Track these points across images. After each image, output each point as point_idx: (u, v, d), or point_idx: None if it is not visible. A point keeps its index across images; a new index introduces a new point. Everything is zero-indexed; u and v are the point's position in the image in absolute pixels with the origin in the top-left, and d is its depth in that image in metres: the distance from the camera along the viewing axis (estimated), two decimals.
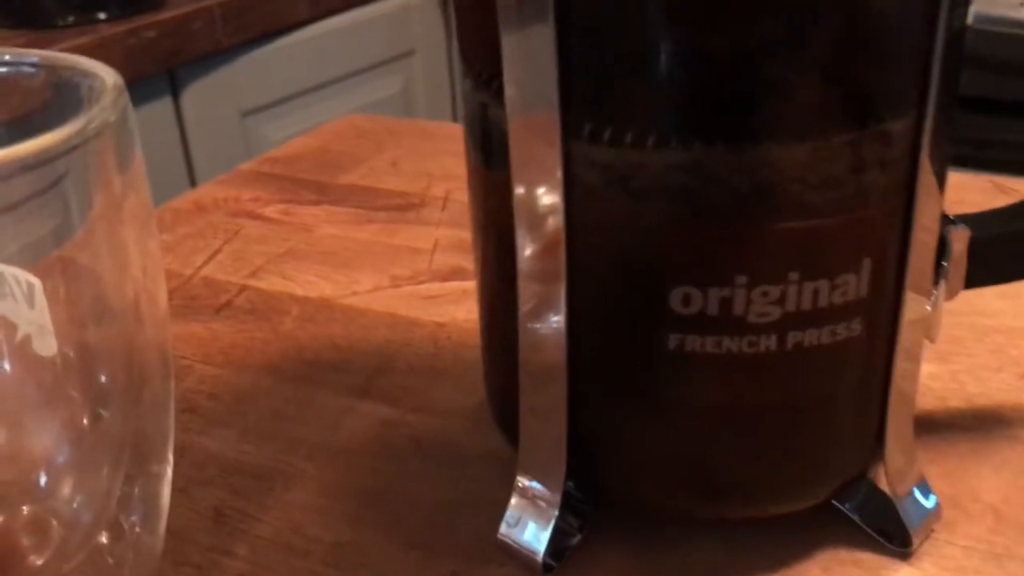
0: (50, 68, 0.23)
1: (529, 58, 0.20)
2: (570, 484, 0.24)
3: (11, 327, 0.23)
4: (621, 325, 0.22)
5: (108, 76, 0.21)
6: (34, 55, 0.23)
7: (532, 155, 0.21)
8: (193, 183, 0.98)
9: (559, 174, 0.20)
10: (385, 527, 0.26)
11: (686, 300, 0.21)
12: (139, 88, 0.90)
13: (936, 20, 0.19)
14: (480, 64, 0.22)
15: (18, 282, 0.24)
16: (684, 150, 0.19)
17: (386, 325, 0.36)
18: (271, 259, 0.42)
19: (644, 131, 0.19)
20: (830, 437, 0.23)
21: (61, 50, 0.83)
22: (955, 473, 0.27)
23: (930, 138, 0.20)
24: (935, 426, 0.29)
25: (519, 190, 0.21)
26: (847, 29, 0.19)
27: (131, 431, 0.24)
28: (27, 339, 0.23)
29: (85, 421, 0.24)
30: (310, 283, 0.40)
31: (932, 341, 0.25)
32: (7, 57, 0.22)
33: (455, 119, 1.31)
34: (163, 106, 0.94)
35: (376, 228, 0.45)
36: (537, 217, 0.21)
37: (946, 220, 0.25)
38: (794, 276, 0.20)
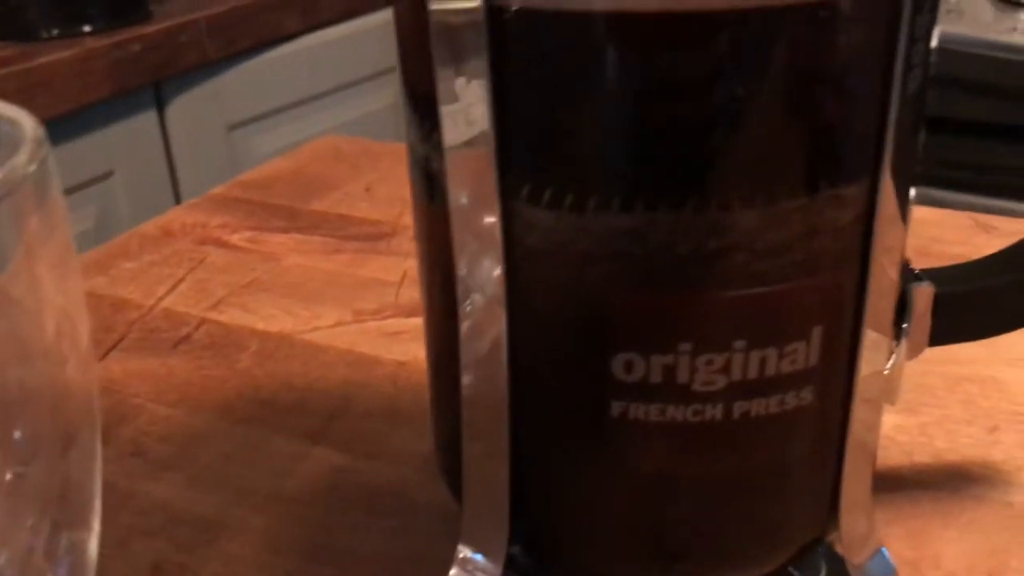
0: None
1: (466, 118, 0.19)
2: (517, 548, 0.23)
3: None
4: (564, 390, 0.21)
5: (28, 125, 0.20)
6: None
7: (471, 214, 0.20)
8: (177, 198, 0.97)
9: (499, 235, 0.20)
10: None
11: (628, 367, 0.20)
12: (124, 101, 0.89)
13: (891, 83, 0.18)
14: (421, 116, 0.21)
15: None
16: (626, 214, 0.19)
17: (346, 363, 0.35)
18: (234, 290, 0.41)
19: (585, 194, 0.19)
20: (783, 504, 0.22)
21: (46, 62, 0.82)
22: (918, 535, 0.26)
23: (885, 202, 0.20)
24: (900, 483, 0.28)
25: (459, 248, 0.20)
26: (796, 94, 0.18)
27: (58, 482, 0.23)
28: None
29: (8, 476, 0.23)
30: (272, 317, 0.39)
31: (892, 404, 0.24)
32: None
33: None
34: (148, 119, 0.94)
35: (344, 258, 0.44)
36: (477, 276, 0.20)
37: (910, 275, 0.24)
38: (740, 344, 0.19)
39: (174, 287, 0.42)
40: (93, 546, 0.23)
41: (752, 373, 0.20)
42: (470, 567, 0.23)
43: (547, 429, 0.22)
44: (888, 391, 0.23)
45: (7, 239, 0.20)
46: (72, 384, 0.23)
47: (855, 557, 0.23)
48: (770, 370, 0.20)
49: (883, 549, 0.24)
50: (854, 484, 0.23)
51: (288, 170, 0.54)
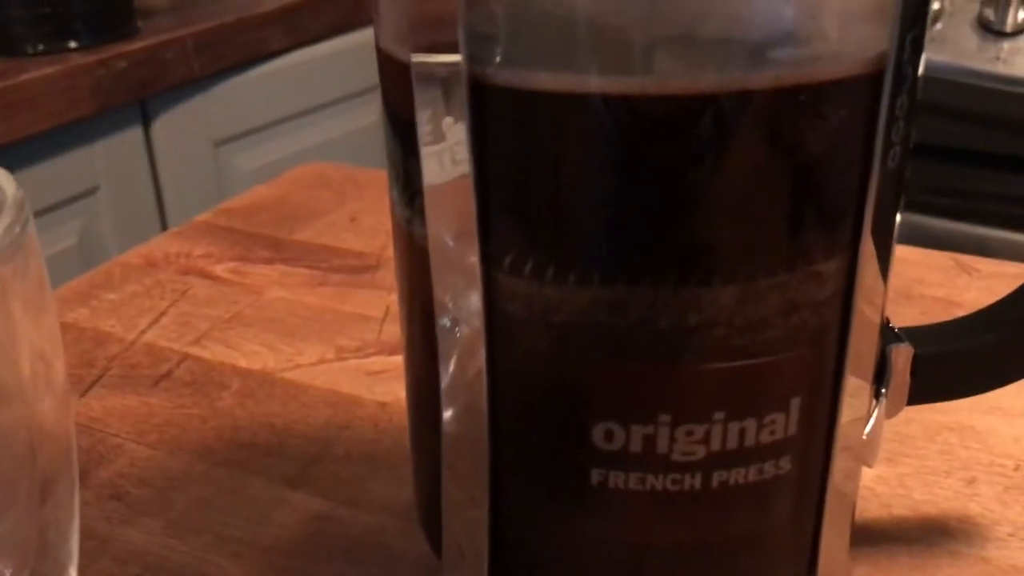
0: None
1: (449, 191, 0.19)
2: None
3: None
4: (544, 454, 0.21)
5: (9, 189, 0.20)
6: None
7: (452, 281, 0.20)
8: (163, 214, 0.97)
9: (479, 303, 0.20)
10: None
11: (608, 436, 0.20)
12: (110, 117, 0.89)
13: (870, 162, 0.19)
14: (404, 182, 0.21)
15: None
16: (606, 289, 0.19)
17: (327, 404, 0.35)
18: (216, 324, 0.41)
19: (566, 268, 0.19)
20: (762, 570, 0.23)
21: (31, 78, 0.82)
22: None
23: (865, 277, 0.20)
24: (878, 537, 0.29)
25: (440, 314, 0.20)
26: (774, 174, 0.18)
27: (36, 530, 0.23)
28: None
29: None
30: (254, 353, 0.39)
31: (870, 466, 0.24)
32: None
33: None
34: (134, 135, 0.93)
35: (328, 292, 0.44)
36: (458, 341, 0.20)
37: (889, 335, 0.24)
38: (719, 416, 0.20)
39: (156, 320, 0.41)
40: None
41: (731, 444, 0.20)
42: None
43: (527, 491, 0.22)
44: (867, 454, 0.23)
45: None
46: (49, 425, 0.23)
47: None
48: (749, 440, 0.20)
49: None
50: (832, 547, 0.23)
51: (273, 197, 0.54)
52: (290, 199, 0.54)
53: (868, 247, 0.19)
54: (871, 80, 0.18)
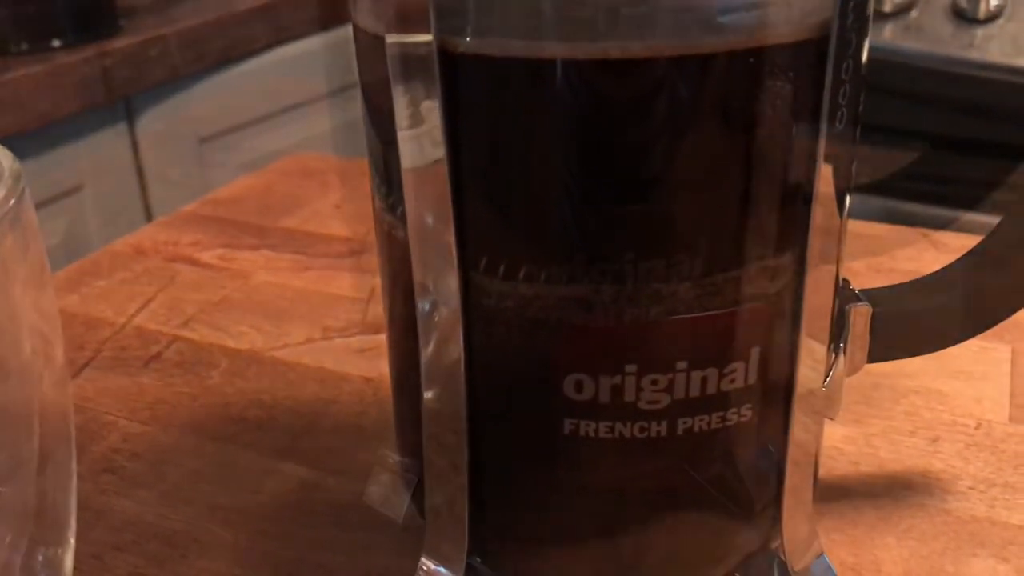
0: None
1: (429, 197, 0.20)
2: (477, 559, 0.25)
3: None
4: (519, 411, 0.22)
5: (5, 161, 0.21)
6: None
7: (430, 260, 0.21)
8: (148, 211, 0.97)
9: (456, 280, 0.21)
10: None
11: (579, 387, 0.21)
12: (94, 115, 0.90)
13: (819, 122, 0.20)
14: (383, 171, 0.22)
15: None
16: (574, 286, 0.20)
17: (315, 380, 0.36)
18: (204, 308, 0.42)
19: (538, 245, 0.20)
20: (727, 515, 0.24)
21: (15, 77, 0.82)
22: (860, 542, 0.28)
23: (818, 235, 0.21)
24: (845, 493, 0.30)
25: (420, 294, 0.21)
26: (729, 134, 0.19)
27: (35, 500, 0.24)
28: None
29: None
30: (242, 334, 0.40)
31: (832, 418, 0.25)
32: None
33: None
34: (118, 133, 0.94)
35: (313, 275, 0.45)
36: (437, 321, 0.21)
37: (849, 296, 0.26)
38: (682, 365, 0.21)
39: (145, 305, 0.42)
40: (69, 561, 0.24)
41: (694, 392, 0.21)
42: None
43: (504, 449, 0.23)
44: (828, 406, 0.25)
45: None
46: (48, 402, 0.24)
47: (796, 563, 0.24)
48: (711, 388, 0.21)
49: (824, 555, 0.25)
50: (795, 494, 0.24)
51: (258, 187, 0.55)
52: (275, 189, 0.55)
53: (821, 206, 0.21)
54: (817, 44, 0.19)
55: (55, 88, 0.85)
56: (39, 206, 0.95)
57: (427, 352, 0.22)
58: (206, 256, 0.47)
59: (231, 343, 0.39)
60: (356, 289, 0.43)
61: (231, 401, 0.35)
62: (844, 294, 0.25)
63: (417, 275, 0.21)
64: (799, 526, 0.25)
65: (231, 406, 0.35)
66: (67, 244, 0.89)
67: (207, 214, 0.52)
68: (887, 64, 0.97)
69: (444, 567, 0.24)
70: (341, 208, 0.52)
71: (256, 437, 0.33)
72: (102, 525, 0.29)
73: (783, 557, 0.25)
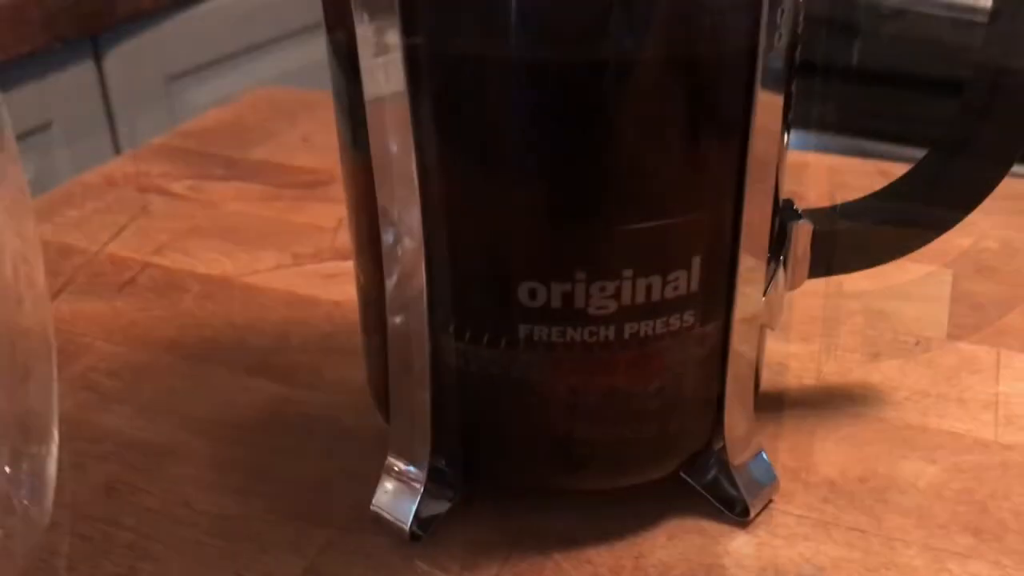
0: None
1: (388, 105, 0.21)
2: (440, 460, 0.26)
3: None
4: (477, 319, 0.23)
5: None
6: None
7: (393, 187, 0.22)
8: (117, 148, 0.97)
9: (418, 202, 0.22)
10: (269, 499, 0.28)
11: (532, 294, 0.22)
12: (61, 52, 0.89)
13: (757, 40, 0.21)
14: (348, 105, 0.23)
15: None
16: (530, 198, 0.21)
17: (284, 304, 0.38)
18: (176, 236, 0.43)
19: (495, 163, 0.21)
20: (673, 415, 0.25)
21: None
22: (800, 447, 0.30)
23: (756, 150, 0.22)
24: (789, 404, 0.32)
25: (384, 222, 0.23)
26: (675, 48, 0.21)
27: (17, 411, 0.25)
28: None
29: None
30: (213, 260, 0.41)
31: (773, 329, 0.27)
32: None
33: None
34: (86, 70, 0.93)
35: (282, 205, 0.46)
36: (400, 246, 0.23)
37: (791, 214, 0.27)
38: (628, 273, 0.22)
39: (118, 233, 0.43)
40: (52, 469, 0.25)
41: (639, 298, 0.23)
42: (397, 473, 0.25)
43: (463, 352, 0.24)
44: (769, 317, 0.26)
45: None
46: (29, 320, 0.25)
47: (736, 459, 0.26)
48: (655, 295, 0.23)
49: (762, 452, 0.27)
50: (736, 395, 0.26)
51: (227, 120, 0.56)
52: (243, 121, 0.56)
53: (760, 121, 0.22)
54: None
55: (20, 23, 0.84)
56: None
57: (392, 280, 0.23)
58: (176, 187, 0.48)
59: (202, 269, 0.40)
60: (324, 218, 0.44)
61: (203, 323, 0.37)
62: (787, 213, 0.27)
63: (381, 203, 0.22)
64: (739, 425, 0.26)
65: (204, 327, 0.36)
66: (37, 181, 0.89)
67: (177, 145, 0.52)
68: (850, 3, 0.98)
69: (410, 465, 0.26)
70: (309, 141, 0.53)
71: (228, 356, 0.34)
72: (82, 437, 0.31)
73: (725, 457, 0.27)
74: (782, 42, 0.22)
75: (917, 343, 0.35)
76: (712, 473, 0.27)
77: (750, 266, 0.24)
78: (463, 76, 0.21)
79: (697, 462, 0.27)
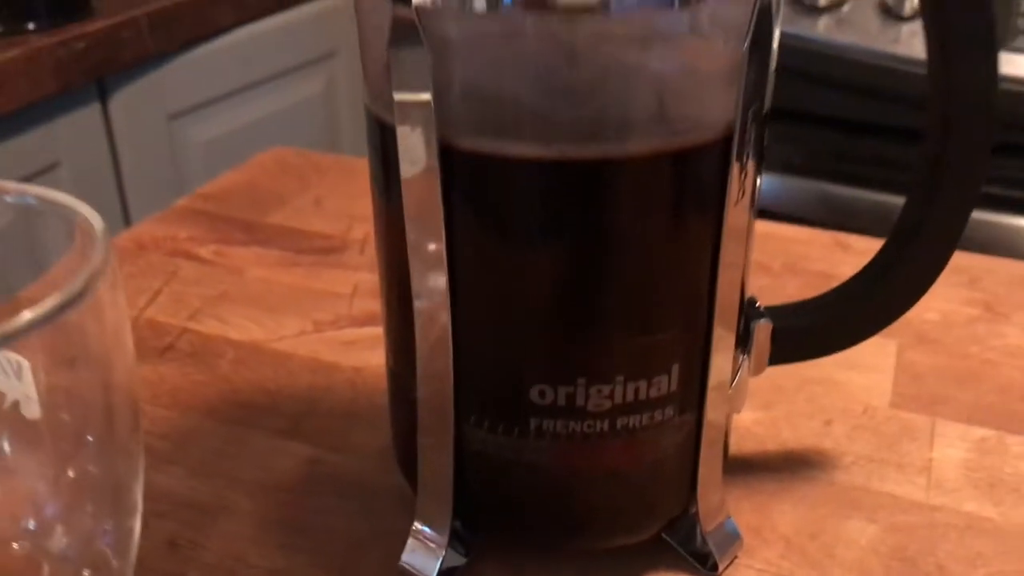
0: (49, 203, 0.28)
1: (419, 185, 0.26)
2: (458, 523, 0.31)
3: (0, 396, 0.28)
4: (495, 411, 0.28)
5: (95, 221, 0.27)
6: (34, 193, 0.28)
7: (424, 247, 0.27)
8: (120, 186, 1.01)
9: (446, 288, 0.27)
10: (311, 554, 0.33)
11: (542, 394, 0.27)
12: (69, 95, 0.93)
13: (724, 200, 0.26)
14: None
15: (8, 361, 0.30)
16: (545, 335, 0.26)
17: (309, 370, 0.42)
18: (207, 301, 0.48)
19: (513, 288, 0.26)
20: (656, 488, 0.30)
21: None
22: (762, 508, 0.35)
23: (723, 278, 0.27)
24: (752, 467, 0.37)
25: (418, 304, 0.27)
26: (650, 215, 0.26)
27: (109, 474, 0.30)
28: (15, 405, 0.29)
29: (71, 472, 0.30)
30: (243, 327, 0.45)
31: (738, 412, 0.32)
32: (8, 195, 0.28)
33: None
34: (91, 112, 0.98)
35: (301, 271, 0.50)
36: (431, 329, 0.28)
37: (755, 313, 0.32)
38: (620, 378, 0.27)
39: (153, 299, 0.48)
40: (137, 528, 0.30)
41: (629, 398, 0.28)
42: (423, 537, 0.30)
43: (482, 437, 0.29)
44: (735, 404, 0.31)
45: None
46: (121, 388, 0.29)
47: (708, 525, 0.31)
48: (642, 395, 0.28)
49: (730, 518, 0.32)
50: (708, 472, 0.31)
51: (242, 183, 0.61)
52: (259, 184, 0.60)
53: (727, 254, 0.27)
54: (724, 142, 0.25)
55: (32, 72, 0.88)
56: (19, 182, 0.99)
57: (424, 382, 0.28)
58: (203, 252, 0.52)
59: (234, 335, 0.45)
60: (340, 284, 0.49)
61: (239, 388, 0.41)
62: (751, 311, 0.32)
63: (419, 322, 0.27)
64: (711, 495, 0.31)
65: (240, 392, 0.41)
66: None
67: (198, 208, 0.57)
68: (820, 55, 1.04)
69: (432, 528, 0.31)
70: (321, 205, 0.58)
71: (264, 420, 0.39)
72: (143, 496, 0.35)
73: (698, 520, 0.32)
74: (747, 195, 0.27)
75: (864, 411, 0.40)
76: (688, 534, 0.32)
77: (720, 366, 0.29)
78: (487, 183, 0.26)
79: (676, 525, 0.32)
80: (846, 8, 1.01)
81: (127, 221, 1.04)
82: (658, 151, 0.25)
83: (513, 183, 0.25)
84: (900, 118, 1.03)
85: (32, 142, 0.92)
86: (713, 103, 0.25)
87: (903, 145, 1.04)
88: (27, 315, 0.23)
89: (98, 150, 0.99)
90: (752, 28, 0.23)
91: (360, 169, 0.63)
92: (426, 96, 0.24)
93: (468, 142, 0.25)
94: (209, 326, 0.46)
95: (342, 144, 1.31)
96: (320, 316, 0.46)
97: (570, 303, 0.26)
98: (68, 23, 0.93)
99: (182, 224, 0.55)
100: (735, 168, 0.26)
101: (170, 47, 1.02)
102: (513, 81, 0.24)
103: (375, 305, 0.47)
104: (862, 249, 0.52)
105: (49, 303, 0.24)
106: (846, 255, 0.52)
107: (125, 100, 1.01)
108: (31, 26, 0.91)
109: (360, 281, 0.49)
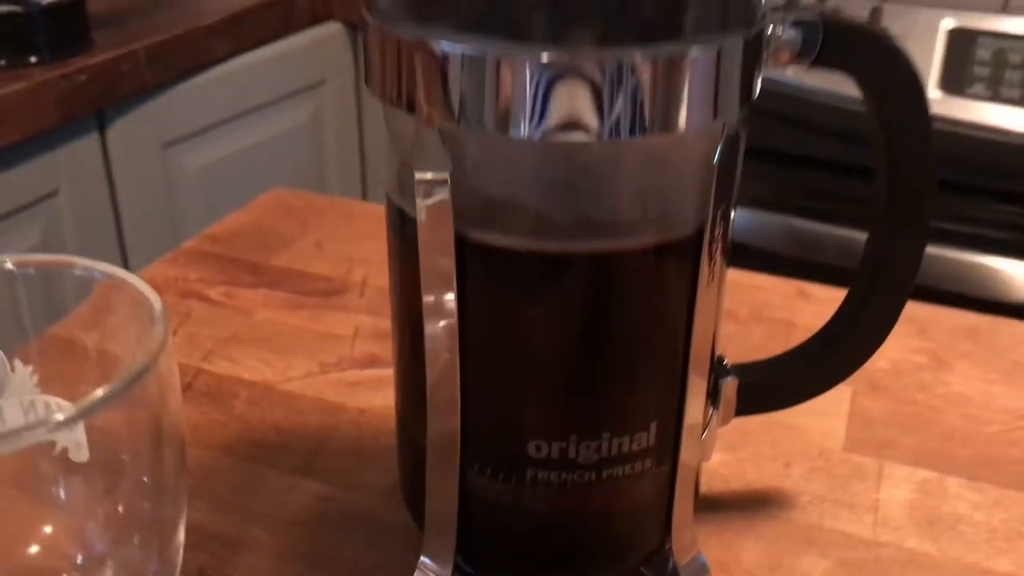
0: (109, 276, 0.32)
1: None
2: (460, 558, 0.35)
3: (50, 444, 0.32)
4: (496, 461, 0.32)
5: (155, 301, 0.31)
6: (101, 269, 0.32)
7: (437, 315, 0.31)
8: (116, 213, 1.05)
9: (456, 359, 0.31)
10: None
11: (538, 448, 0.32)
12: (69, 127, 0.97)
13: (694, 299, 0.30)
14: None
15: (60, 407, 0.33)
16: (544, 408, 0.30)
17: (318, 410, 0.46)
18: (219, 343, 0.51)
19: (512, 386, 0.30)
20: (635, 527, 0.35)
21: None
22: (729, 544, 0.39)
23: (696, 353, 0.32)
24: (720, 507, 0.41)
25: (430, 367, 0.32)
26: (637, 309, 0.30)
27: (157, 510, 0.33)
28: (64, 451, 0.32)
29: (120, 508, 0.33)
30: (254, 367, 0.49)
31: (707, 460, 0.36)
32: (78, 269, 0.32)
33: (361, 146, 1.40)
34: (90, 141, 1.01)
35: (305, 313, 0.54)
36: (440, 401, 0.32)
37: (723, 370, 0.36)
38: (606, 435, 0.31)
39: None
40: (179, 558, 0.34)
41: (614, 452, 0.32)
42: (428, 570, 0.34)
43: (485, 483, 0.33)
44: (705, 452, 0.36)
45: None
46: (170, 428, 0.32)
47: (682, 559, 0.36)
48: (625, 449, 0.32)
49: (700, 554, 0.37)
50: (681, 512, 0.35)
51: (248, 224, 0.64)
52: (262, 226, 0.64)
53: (699, 327, 0.31)
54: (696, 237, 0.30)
55: (35, 104, 0.92)
56: (21, 210, 1.04)
57: (433, 437, 0.32)
58: (212, 293, 0.56)
59: (246, 375, 0.49)
60: (342, 327, 0.53)
61: (254, 427, 0.45)
62: (720, 369, 0.36)
63: (430, 380, 0.31)
64: (684, 533, 0.36)
65: (254, 431, 0.45)
66: (44, 243, 0.97)
67: (207, 250, 0.61)
68: (790, 98, 1.09)
69: (437, 563, 0.35)
70: (321, 247, 0.62)
71: (277, 458, 0.43)
72: None
73: (672, 555, 0.36)
74: (716, 279, 0.31)
75: (820, 453, 0.44)
76: (663, 567, 0.36)
77: (692, 423, 0.33)
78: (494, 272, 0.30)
79: (652, 559, 0.36)
80: None
81: (122, 243, 1.07)
82: (642, 246, 0.29)
83: (518, 270, 0.29)
84: (865, 158, 1.08)
85: (33, 170, 0.95)
86: (688, 206, 0.29)
87: (867, 183, 1.10)
88: (99, 393, 0.27)
89: (96, 177, 1.03)
90: (720, 151, 0.28)
91: (355, 212, 0.68)
92: (445, 197, 0.28)
93: (479, 235, 0.29)
94: (222, 367, 0.49)
95: (329, 167, 1.35)
96: (325, 358, 0.50)
97: (565, 371, 0.30)
98: (70, 56, 0.96)
99: (192, 266, 0.59)
100: (706, 257, 0.30)
101: (167, 78, 1.06)
102: (520, 189, 0.28)
103: (375, 347, 0.51)
104: (823, 298, 0.57)
105: (118, 382, 0.28)
106: (807, 304, 0.56)
107: (122, 129, 1.04)
108: (33, 59, 0.95)
109: (360, 324, 0.53)
